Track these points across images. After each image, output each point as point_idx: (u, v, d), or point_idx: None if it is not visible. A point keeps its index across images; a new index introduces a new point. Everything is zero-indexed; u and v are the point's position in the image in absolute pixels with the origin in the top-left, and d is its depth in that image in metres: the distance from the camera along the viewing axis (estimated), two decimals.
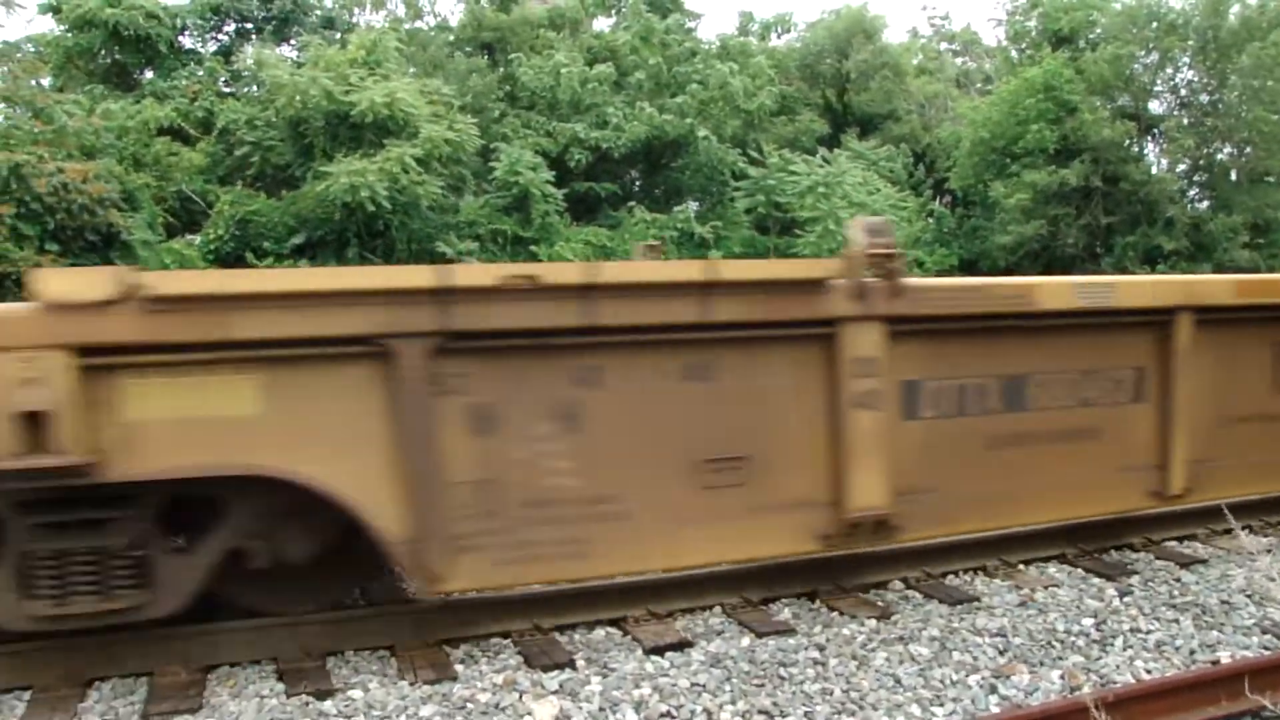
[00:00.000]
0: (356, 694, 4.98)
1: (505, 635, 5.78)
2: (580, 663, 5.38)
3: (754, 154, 20.98)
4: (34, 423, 4.53)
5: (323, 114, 16.90)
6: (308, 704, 4.88)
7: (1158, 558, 7.37)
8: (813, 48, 27.93)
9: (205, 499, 5.15)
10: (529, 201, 18.36)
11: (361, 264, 16.24)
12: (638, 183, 22.65)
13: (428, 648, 5.54)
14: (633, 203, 20.38)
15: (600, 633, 5.90)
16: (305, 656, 5.37)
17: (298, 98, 16.88)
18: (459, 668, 5.32)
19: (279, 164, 18.15)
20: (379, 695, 4.95)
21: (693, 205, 21.61)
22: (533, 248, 18.31)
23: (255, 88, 19.88)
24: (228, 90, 21.09)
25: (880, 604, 6.35)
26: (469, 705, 4.86)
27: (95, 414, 4.69)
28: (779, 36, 29.22)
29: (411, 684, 5.10)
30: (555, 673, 5.21)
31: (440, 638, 5.66)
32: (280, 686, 5.11)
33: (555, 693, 4.98)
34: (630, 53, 22.11)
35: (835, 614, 6.22)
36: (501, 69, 23.07)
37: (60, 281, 4.67)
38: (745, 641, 5.69)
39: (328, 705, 4.86)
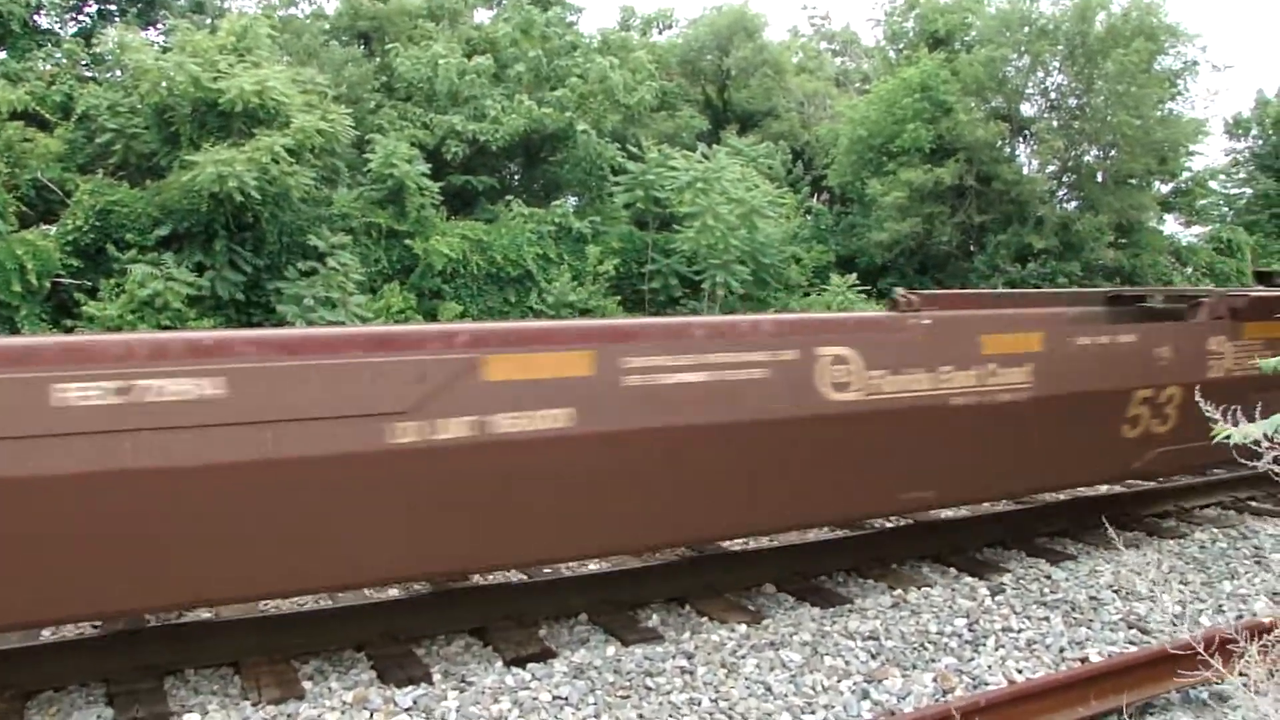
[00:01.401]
0: (194, 718, 4.63)
1: (359, 648, 5.49)
2: (437, 676, 5.11)
3: (633, 149, 20.71)
4: None
5: (190, 101, 16.16)
6: None
7: (1028, 555, 7.41)
8: (694, 44, 27.86)
9: None
10: (404, 194, 17.86)
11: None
12: (516, 176, 22.26)
13: (274, 664, 5.21)
14: (510, 197, 19.97)
15: (459, 643, 5.64)
16: (140, 677, 5.01)
17: (163, 84, 16.10)
18: (307, 685, 5.01)
19: (143, 152, 17.28)
20: (218, 719, 4.62)
21: (571, 200, 21.36)
22: (408, 241, 17.85)
23: (118, 72, 18.88)
24: (89, 74, 20.04)
25: (751, 608, 6.21)
26: None
27: None
28: (660, 32, 29.05)
29: (255, 705, 4.77)
30: (410, 688, 4.93)
31: (288, 653, 5.35)
32: (110, 712, 4.73)
33: (409, 710, 4.71)
34: (510, 45, 21.72)
35: (705, 619, 6.06)
36: (378, 59, 22.46)
37: None
38: (610, 650, 5.48)
39: None
